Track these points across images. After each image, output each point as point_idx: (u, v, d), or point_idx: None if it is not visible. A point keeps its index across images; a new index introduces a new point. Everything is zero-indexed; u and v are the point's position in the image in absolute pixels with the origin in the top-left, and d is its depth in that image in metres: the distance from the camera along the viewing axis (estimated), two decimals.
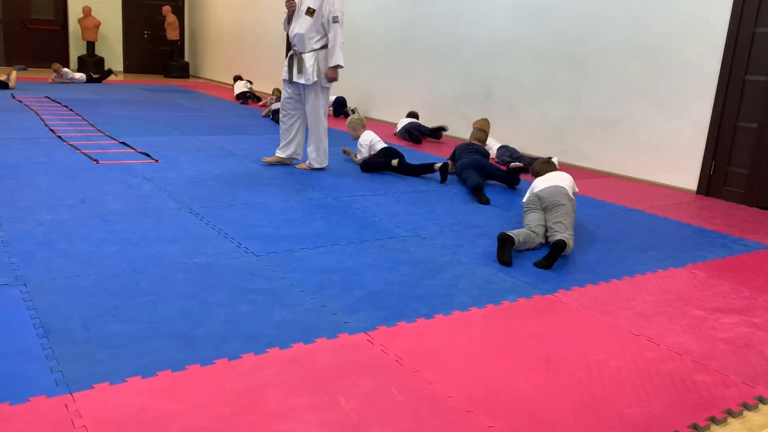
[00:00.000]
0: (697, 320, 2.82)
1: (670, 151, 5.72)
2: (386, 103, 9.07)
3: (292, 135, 5.43)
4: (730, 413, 2.09)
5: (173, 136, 6.66)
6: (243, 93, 10.51)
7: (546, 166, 4.32)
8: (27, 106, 8.10)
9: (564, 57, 6.56)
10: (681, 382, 2.26)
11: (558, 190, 3.79)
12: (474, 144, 5.54)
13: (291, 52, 5.23)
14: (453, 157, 5.51)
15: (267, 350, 2.26)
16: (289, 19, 5.20)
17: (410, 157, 5.92)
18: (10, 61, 13.72)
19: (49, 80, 11.57)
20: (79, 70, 13.97)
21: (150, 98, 10.17)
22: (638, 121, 5.94)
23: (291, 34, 5.17)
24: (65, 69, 11.71)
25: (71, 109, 8.02)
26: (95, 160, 5.17)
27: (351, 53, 9.74)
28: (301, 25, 5.05)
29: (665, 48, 5.66)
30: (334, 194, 4.64)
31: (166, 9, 14.63)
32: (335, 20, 4.99)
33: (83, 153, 5.41)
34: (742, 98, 5.22)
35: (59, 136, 6.09)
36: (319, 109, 5.23)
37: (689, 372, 2.34)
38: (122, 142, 6.02)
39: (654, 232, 4.22)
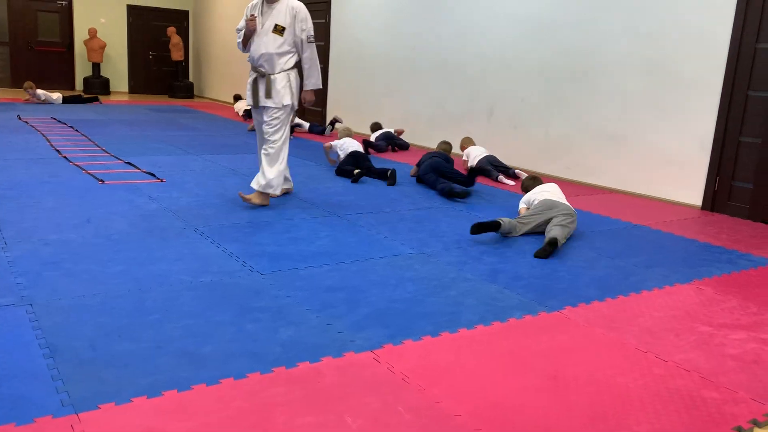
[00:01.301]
0: (704, 336, 2.80)
1: (674, 166, 5.72)
2: (392, 120, 9.10)
3: None
4: (740, 430, 2.07)
5: (178, 156, 6.69)
6: (248, 111, 10.59)
7: (533, 182, 4.83)
8: (33, 127, 8.16)
9: (568, 72, 6.59)
10: (690, 399, 2.24)
11: (562, 204, 4.32)
12: (439, 152, 6.03)
13: (254, 74, 4.67)
14: (419, 164, 6.01)
15: (273, 369, 2.25)
16: (247, 39, 4.68)
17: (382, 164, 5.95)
18: (16, 83, 13.86)
19: (23, 100, 11.39)
20: (85, 91, 14.14)
21: (155, 118, 10.25)
22: (643, 136, 5.95)
23: (255, 55, 4.60)
24: (39, 90, 11.42)
25: (77, 130, 8.08)
26: (101, 180, 5.19)
27: (357, 70, 9.83)
28: (268, 44, 4.54)
29: (669, 63, 5.69)
30: (338, 212, 4.65)
31: (171, 30, 14.79)
32: (310, 40, 4.64)
33: (89, 173, 5.44)
34: (745, 114, 5.23)
35: (65, 157, 6.13)
36: (280, 129, 4.67)
37: (698, 389, 2.32)
38: (128, 162, 6.05)
39: (660, 248, 4.21)
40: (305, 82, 4.71)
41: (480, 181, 6.18)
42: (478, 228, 4.01)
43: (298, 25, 4.58)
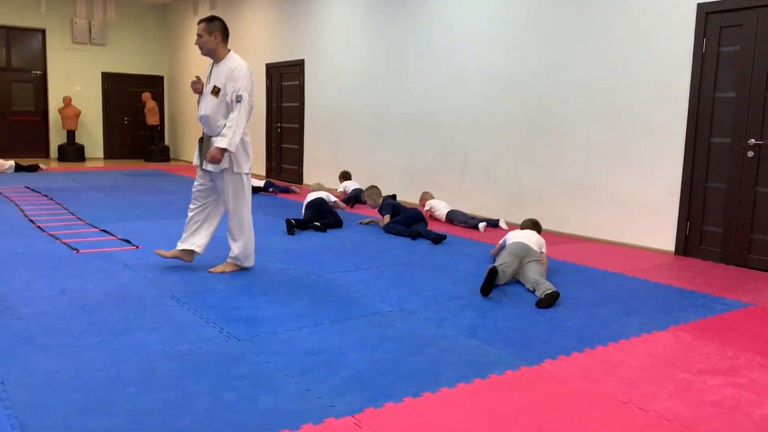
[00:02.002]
0: (684, 384, 2.82)
1: (645, 213, 5.84)
2: (367, 176, 9.20)
3: (196, 227, 4.65)
4: None
5: (154, 221, 6.67)
6: None
7: (534, 225, 5.15)
8: (6, 197, 8.10)
9: (536, 125, 6.77)
10: None
11: (534, 250, 4.55)
12: (396, 203, 6.65)
13: (201, 135, 4.57)
14: (380, 209, 6.60)
15: None
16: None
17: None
18: None
19: None
20: (59, 159, 14.13)
21: (131, 183, 10.24)
22: (612, 184, 6.09)
23: (198, 116, 4.52)
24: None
25: (51, 198, 8.04)
26: (75, 249, 5.15)
27: (332, 128, 9.99)
28: (207, 105, 4.42)
29: (632, 113, 5.89)
30: (317, 271, 4.65)
31: (146, 95, 14.94)
32: (239, 99, 4.32)
33: (63, 242, 5.39)
34: (710, 159, 5.40)
35: (39, 227, 6.08)
36: (238, 198, 4.50)
37: None
38: (103, 230, 6.02)
39: (635, 295, 4.26)
40: (217, 138, 4.36)
41: (451, 231, 6.27)
42: (487, 289, 4.11)
43: (230, 84, 4.35)
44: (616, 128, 6.02)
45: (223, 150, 4.30)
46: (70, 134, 14.38)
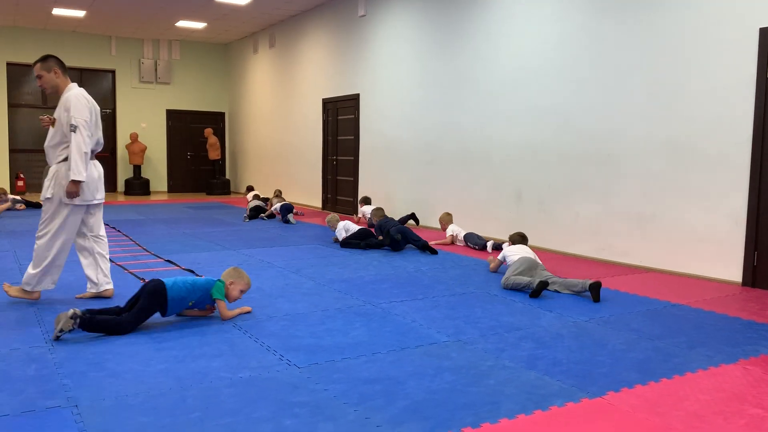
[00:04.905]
0: (756, 420, 2.71)
1: (709, 243, 5.67)
2: (420, 208, 9.26)
3: (88, 262, 4.67)
4: None
5: (216, 252, 6.87)
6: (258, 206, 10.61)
7: (521, 238, 5.93)
8: None
9: (592, 156, 6.69)
10: None
11: (539, 263, 5.40)
12: (390, 219, 7.67)
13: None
14: (380, 229, 7.32)
15: None
16: None
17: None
18: None
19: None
20: (126, 192, 14.75)
21: (193, 216, 10.58)
22: (673, 214, 5.94)
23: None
24: (11, 195, 11.07)
25: (119, 230, 8.39)
26: (142, 279, 5.35)
27: (386, 160, 10.12)
28: (48, 136, 4.50)
29: (691, 142, 5.76)
30: (372, 301, 4.69)
31: (208, 131, 15.51)
32: (72, 129, 4.31)
33: (131, 272, 5.61)
34: None
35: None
36: (54, 227, 4.42)
37: None
38: (168, 260, 6.24)
39: (701, 327, 4.12)
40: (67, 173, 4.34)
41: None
42: (537, 293, 4.90)
43: (63, 114, 4.36)
44: (676, 157, 5.90)
45: (76, 182, 4.32)
46: (136, 169, 15.02)
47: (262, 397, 2.85)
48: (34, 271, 4.46)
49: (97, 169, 4.64)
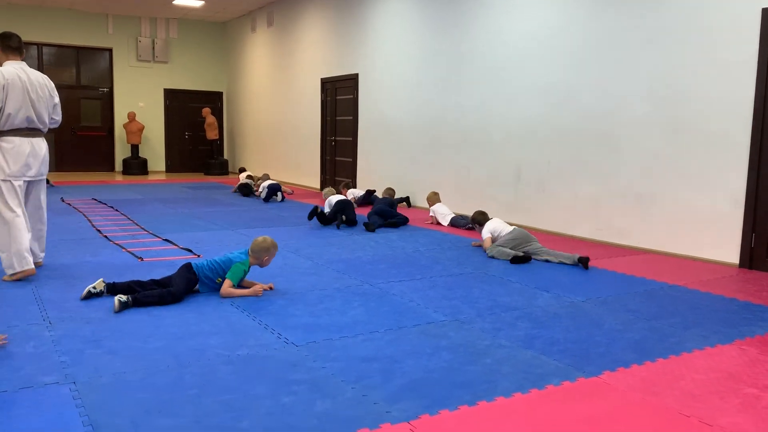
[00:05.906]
0: (750, 399, 2.72)
1: (707, 224, 5.67)
2: (419, 190, 9.24)
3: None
4: None
5: (214, 231, 6.87)
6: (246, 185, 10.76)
7: (483, 216, 6.13)
8: (75, 208, 8.48)
9: (592, 136, 6.67)
10: None
11: (532, 236, 5.81)
12: (385, 198, 8.28)
13: None
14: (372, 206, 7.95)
15: None
16: None
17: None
18: (60, 166, 14.50)
19: None
20: (124, 172, 14.72)
21: (191, 195, 10.56)
22: (672, 195, 5.94)
23: None
24: None
25: (117, 210, 8.37)
26: (140, 257, 5.35)
27: (385, 141, 10.08)
28: None
29: (692, 122, 5.73)
30: (370, 281, 4.69)
31: (206, 111, 15.42)
32: None
33: (128, 251, 5.61)
34: None
35: (105, 236, 6.34)
36: None
37: None
38: (166, 239, 6.23)
39: (697, 308, 4.14)
40: None
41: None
42: (517, 260, 5.41)
43: None
44: (676, 138, 5.88)
45: None
46: (134, 148, 14.96)
47: (260, 375, 2.86)
48: (4, 254, 4.48)
49: (32, 147, 4.60)
